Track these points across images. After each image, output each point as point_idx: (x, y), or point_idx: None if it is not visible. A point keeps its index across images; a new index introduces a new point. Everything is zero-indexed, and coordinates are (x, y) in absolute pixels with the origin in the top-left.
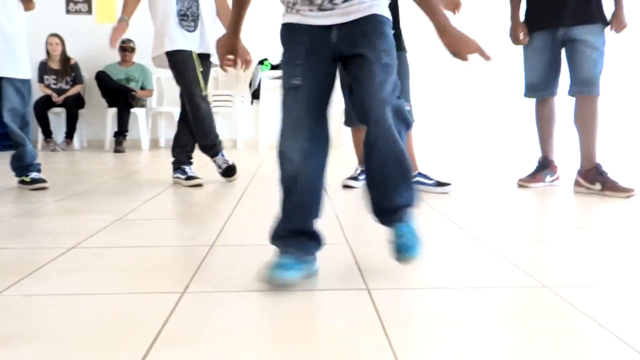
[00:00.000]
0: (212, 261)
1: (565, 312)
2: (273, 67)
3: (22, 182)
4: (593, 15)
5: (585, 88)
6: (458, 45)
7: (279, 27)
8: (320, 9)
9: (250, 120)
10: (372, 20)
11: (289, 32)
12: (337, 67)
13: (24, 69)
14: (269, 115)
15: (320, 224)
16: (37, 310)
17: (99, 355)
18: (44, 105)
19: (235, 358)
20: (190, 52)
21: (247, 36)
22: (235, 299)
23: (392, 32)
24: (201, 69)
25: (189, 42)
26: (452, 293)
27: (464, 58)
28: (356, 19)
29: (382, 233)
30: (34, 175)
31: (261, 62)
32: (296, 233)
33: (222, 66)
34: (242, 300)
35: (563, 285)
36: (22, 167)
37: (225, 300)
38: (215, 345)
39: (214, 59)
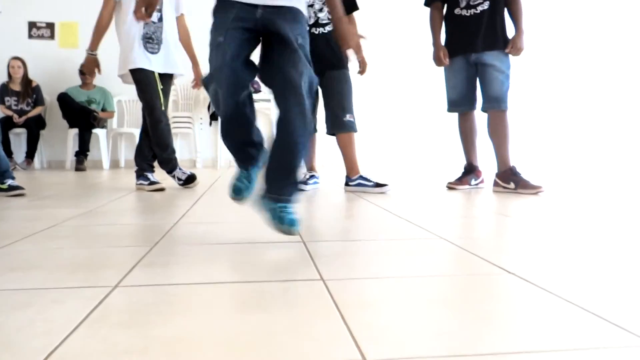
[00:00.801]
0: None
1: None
2: None
3: None
4: (498, 43)
5: (495, 104)
6: (343, 39)
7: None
8: None
9: (209, 141)
10: (291, 10)
11: (221, 5)
12: (258, 39)
13: None
14: None
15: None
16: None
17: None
18: (4, 125)
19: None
20: (152, 71)
21: (206, 61)
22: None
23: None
24: (162, 87)
25: (152, 62)
26: (405, 281)
27: (344, 49)
28: (279, 6)
29: (334, 231)
30: (10, 182)
31: None
32: (240, 146)
33: None
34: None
35: (499, 260)
36: None
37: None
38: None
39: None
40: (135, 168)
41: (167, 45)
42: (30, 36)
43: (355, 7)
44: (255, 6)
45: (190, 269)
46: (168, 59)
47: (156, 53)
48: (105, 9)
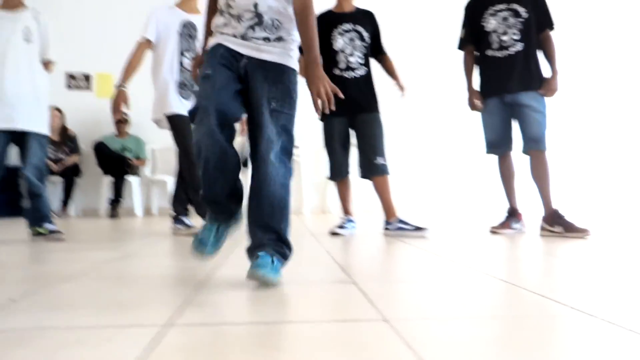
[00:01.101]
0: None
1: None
2: None
3: (37, 233)
4: (533, 83)
5: (534, 144)
6: (311, 83)
7: None
8: (242, 37)
9: (246, 185)
10: (276, 68)
11: (211, 49)
12: (241, 83)
13: (47, 125)
14: None
15: (322, 267)
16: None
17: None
18: None
19: None
20: (187, 116)
21: None
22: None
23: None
24: None
25: (186, 108)
26: (458, 322)
27: (311, 92)
28: (265, 60)
29: (382, 272)
30: (49, 226)
31: None
32: (213, 199)
33: None
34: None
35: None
36: (38, 217)
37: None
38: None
39: None
40: (172, 213)
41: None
42: (68, 87)
43: (381, 52)
44: (241, 55)
45: (242, 308)
46: None
47: (188, 99)
48: (138, 49)
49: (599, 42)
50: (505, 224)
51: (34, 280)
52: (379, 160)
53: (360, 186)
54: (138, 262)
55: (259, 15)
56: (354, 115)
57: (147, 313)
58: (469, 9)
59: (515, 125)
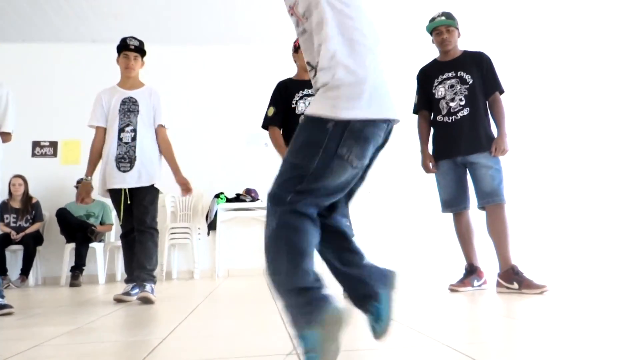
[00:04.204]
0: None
1: None
2: (229, 200)
3: None
4: (482, 146)
5: (490, 199)
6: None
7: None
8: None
9: (207, 251)
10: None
11: None
12: None
13: None
14: (225, 244)
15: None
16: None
17: None
18: (1, 243)
19: None
20: (121, 190)
21: (204, 172)
22: None
23: None
24: (129, 202)
25: (125, 180)
26: None
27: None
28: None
29: None
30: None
31: (217, 196)
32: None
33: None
34: None
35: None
36: None
37: None
38: None
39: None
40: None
41: (142, 161)
42: (33, 154)
43: None
44: None
45: None
46: (141, 174)
47: (128, 171)
48: (95, 137)
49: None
50: (464, 282)
51: None
52: None
53: None
54: (85, 338)
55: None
56: None
57: None
58: (420, 77)
59: (471, 185)
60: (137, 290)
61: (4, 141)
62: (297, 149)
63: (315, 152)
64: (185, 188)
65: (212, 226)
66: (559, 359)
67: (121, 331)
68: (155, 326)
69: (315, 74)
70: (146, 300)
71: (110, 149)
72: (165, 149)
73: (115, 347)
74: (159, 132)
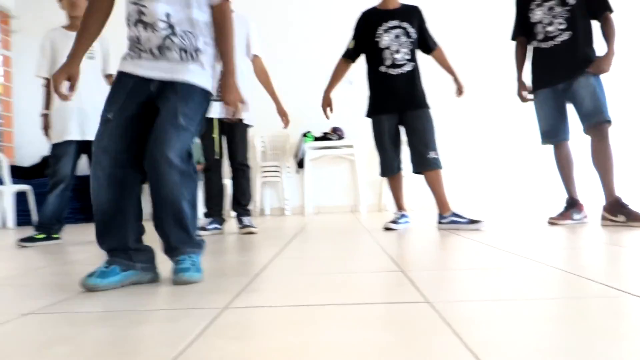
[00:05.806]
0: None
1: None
2: (316, 139)
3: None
4: (580, 69)
5: (593, 118)
6: (224, 93)
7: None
8: (152, 55)
9: (297, 188)
10: (184, 87)
11: (119, 77)
12: (149, 109)
13: None
14: (313, 182)
15: (373, 258)
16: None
17: None
18: None
19: None
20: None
21: (292, 110)
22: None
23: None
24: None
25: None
26: (516, 303)
27: (224, 101)
28: (173, 81)
29: (431, 261)
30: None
31: (305, 135)
32: (110, 251)
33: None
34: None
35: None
36: None
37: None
38: None
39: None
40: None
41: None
42: None
43: (431, 47)
44: (150, 80)
45: (294, 293)
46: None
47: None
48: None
49: None
50: (565, 215)
51: None
52: (431, 155)
53: (414, 182)
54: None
55: (171, 26)
56: (402, 112)
57: (208, 297)
58: (518, 0)
59: (572, 114)
60: (214, 225)
61: (109, 83)
62: None
63: None
64: (286, 119)
65: (300, 164)
66: None
67: (232, 253)
68: (260, 251)
69: None
70: (249, 233)
71: None
72: (264, 78)
73: (233, 264)
74: (256, 62)
